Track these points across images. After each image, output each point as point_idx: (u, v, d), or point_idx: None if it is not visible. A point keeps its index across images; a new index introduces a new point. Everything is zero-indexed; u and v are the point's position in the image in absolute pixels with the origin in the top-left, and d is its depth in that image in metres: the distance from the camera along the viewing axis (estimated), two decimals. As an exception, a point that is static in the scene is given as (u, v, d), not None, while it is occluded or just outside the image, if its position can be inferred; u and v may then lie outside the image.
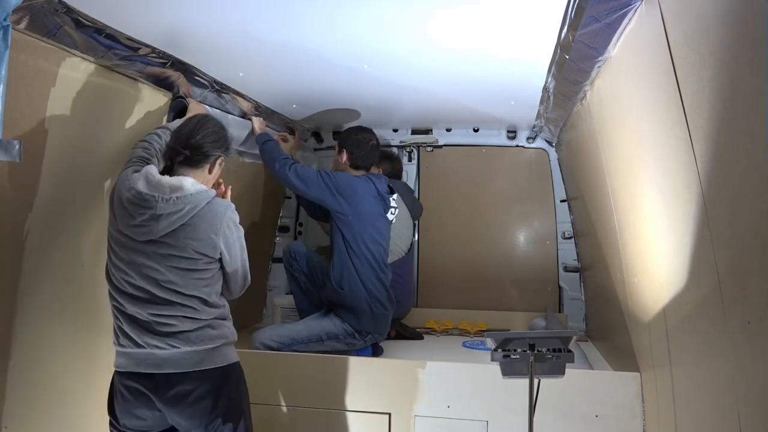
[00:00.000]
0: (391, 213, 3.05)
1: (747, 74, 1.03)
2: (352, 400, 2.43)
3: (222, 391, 1.86)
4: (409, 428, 2.39)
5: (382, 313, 2.93)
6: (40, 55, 1.77)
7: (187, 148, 1.93)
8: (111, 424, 1.91)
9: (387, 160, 3.53)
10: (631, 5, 1.50)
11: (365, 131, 3.04)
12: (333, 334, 2.87)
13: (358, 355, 2.86)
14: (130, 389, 1.84)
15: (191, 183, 1.87)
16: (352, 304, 2.86)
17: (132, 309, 1.84)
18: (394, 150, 3.90)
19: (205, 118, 2.06)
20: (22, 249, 1.88)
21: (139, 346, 1.82)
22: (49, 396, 2.09)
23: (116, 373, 1.88)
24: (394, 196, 3.08)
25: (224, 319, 1.95)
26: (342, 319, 2.88)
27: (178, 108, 2.40)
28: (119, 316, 1.87)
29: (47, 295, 2.03)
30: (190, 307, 1.85)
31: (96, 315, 2.34)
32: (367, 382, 2.44)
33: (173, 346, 1.82)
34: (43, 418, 2.07)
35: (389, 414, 2.40)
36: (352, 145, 2.97)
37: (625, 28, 1.62)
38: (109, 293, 1.90)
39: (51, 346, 2.09)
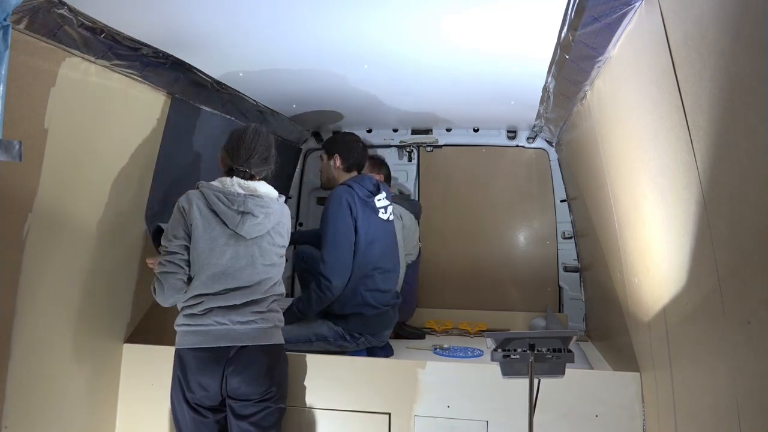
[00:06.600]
0: (383, 212, 2.93)
1: (747, 74, 1.03)
2: (352, 400, 2.43)
3: None
4: (409, 428, 2.39)
5: (373, 315, 2.84)
6: (40, 55, 1.77)
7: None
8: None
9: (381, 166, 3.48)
10: (631, 5, 1.50)
11: (351, 134, 3.08)
12: (322, 336, 2.81)
13: None
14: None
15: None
16: (341, 310, 2.80)
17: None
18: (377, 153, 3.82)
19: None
20: (22, 249, 1.88)
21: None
22: (49, 396, 2.09)
23: None
24: (380, 195, 2.94)
25: None
26: (333, 321, 2.83)
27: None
28: None
29: (47, 295, 2.04)
30: None
31: (95, 315, 2.34)
32: (367, 382, 2.44)
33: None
34: (43, 418, 2.07)
35: (389, 414, 2.40)
36: (343, 149, 2.96)
37: (625, 28, 1.62)
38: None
39: (51, 346, 2.09)
